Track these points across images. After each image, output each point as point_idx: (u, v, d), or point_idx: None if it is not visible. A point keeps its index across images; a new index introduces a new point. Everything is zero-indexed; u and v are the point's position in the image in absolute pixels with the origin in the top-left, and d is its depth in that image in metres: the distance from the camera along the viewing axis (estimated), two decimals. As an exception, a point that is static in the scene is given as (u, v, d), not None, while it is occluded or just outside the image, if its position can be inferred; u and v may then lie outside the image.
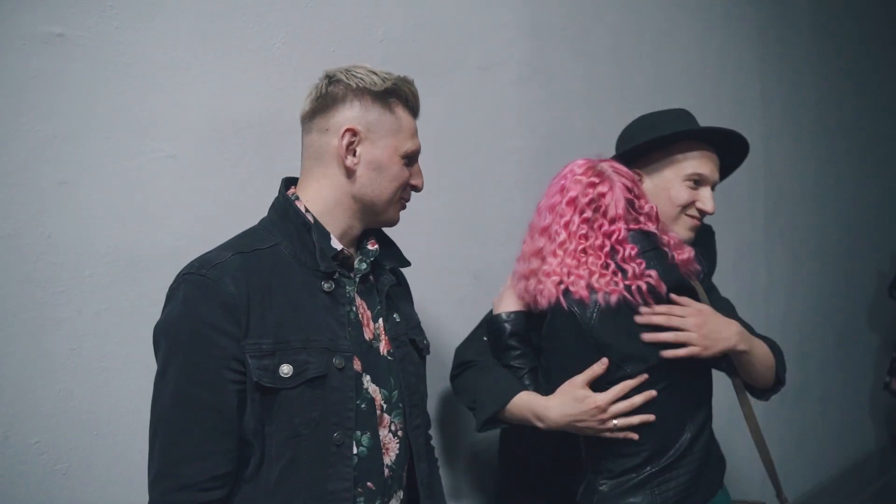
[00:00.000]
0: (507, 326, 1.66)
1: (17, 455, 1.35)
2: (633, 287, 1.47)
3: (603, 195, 1.53)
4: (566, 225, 1.53)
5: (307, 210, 1.31)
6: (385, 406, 1.34)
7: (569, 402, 1.51)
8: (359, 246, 1.39)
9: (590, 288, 1.48)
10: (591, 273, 1.48)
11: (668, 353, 1.48)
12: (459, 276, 2.08)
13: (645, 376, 1.48)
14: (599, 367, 1.48)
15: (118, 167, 1.45)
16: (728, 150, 1.77)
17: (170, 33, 1.52)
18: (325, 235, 1.30)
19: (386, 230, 1.45)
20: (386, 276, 1.41)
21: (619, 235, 1.50)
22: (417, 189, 1.39)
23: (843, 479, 4.02)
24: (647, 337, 1.48)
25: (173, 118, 1.52)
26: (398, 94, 1.32)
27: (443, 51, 2.01)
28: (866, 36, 4.36)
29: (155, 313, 1.51)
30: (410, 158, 1.35)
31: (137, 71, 1.48)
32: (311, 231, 1.29)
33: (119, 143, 1.45)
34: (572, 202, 1.54)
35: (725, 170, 1.82)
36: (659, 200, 1.65)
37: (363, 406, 1.30)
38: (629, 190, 1.56)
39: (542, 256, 1.56)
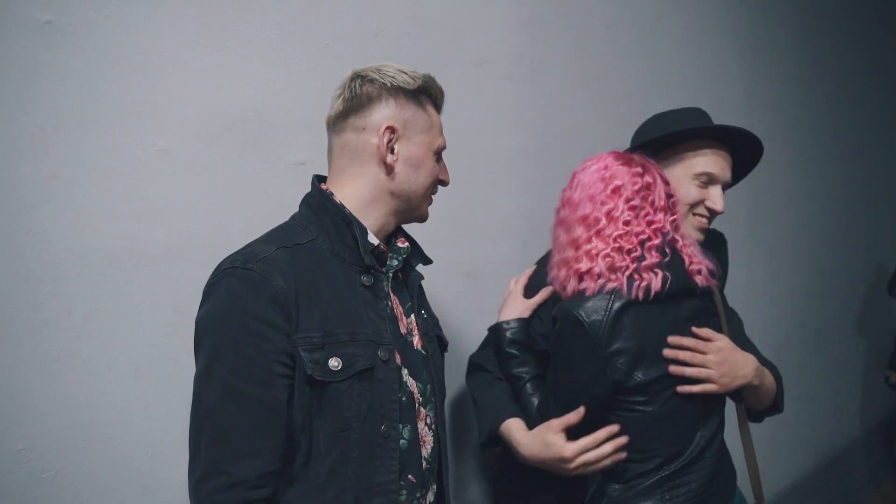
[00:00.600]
0: (507, 334, 1.68)
1: (1, 463, 1.29)
2: (637, 281, 1.44)
3: (650, 185, 1.52)
4: (609, 213, 1.50)
5: (342, 205, 1.31)
6: (421, 399, 1.37)
7: (537, 445, 1.54)
8: (388, 244, 1.41)
9: (602, 276, 1.46)
10: (613, 258, 1.47)
11: (684, 389, 1.49)
12: (452, 275, 2.05)
13: (615, 428, 1.49)
14: (575, 416, 1.49)
15: (110, 161, 1.40)
16: (741, 150, 1.76)
17: (163, 24, 1.47)
18: (363, 230, 1.31)
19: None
20: (415, 273, 1.45)
21: (659, 225, 1.50)
22: (445, 184, 1.42)
23: (825, 473, 4.08)
24: (672, 370, 1.48)
25: (167, 112, 1.47)
26: (428, 92, 1.36)
27: (437, 46, 1.98)
28: (850, 38, 4.42)
29: (146, 312, 1.47)
30: (440, 154, 1.39)
31: (130, 62, 1.42)
32: (352, 225, 1.29)
33: (111, 136, 1.40)
34: (617, 191, 1.51)
35: (741, 171, 1.82)
36: None
37: (404, 399, 1.31)
38: (667, 183, 1.56)
39: (577, 245, 1.52)
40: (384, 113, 1.31)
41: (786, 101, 3.71)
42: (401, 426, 1.29)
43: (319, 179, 1.38)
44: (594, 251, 1.48)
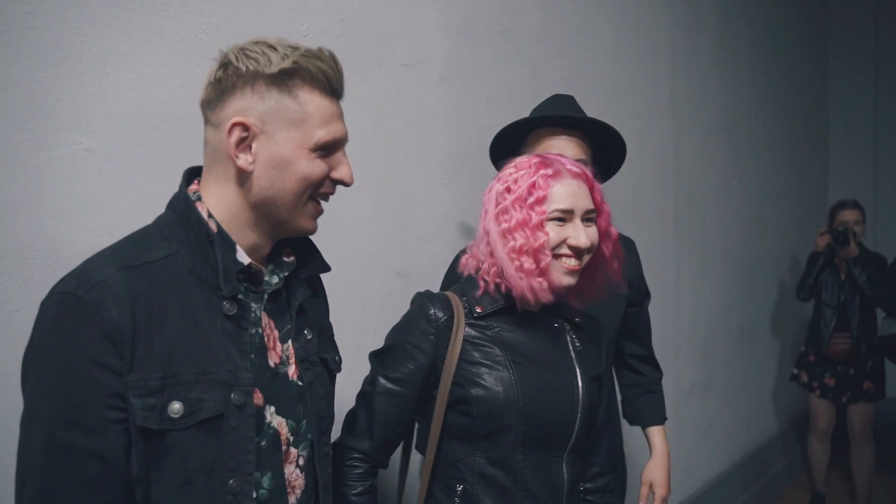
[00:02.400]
0: None
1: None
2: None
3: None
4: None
5: (210, 216, 1.13)
6: (292, 439, 1.20)
7: None
8: (272, 256, 1.23)
9: None
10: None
11: None
12: (383, 274, 2.07)
13: None
14: None
15: (32, 160, 1.38)
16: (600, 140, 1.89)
17: (88, 21, 1.45)
18: (231, 247, 1.12)
19: None
20: (301, 289, 1.26)
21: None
22: (344, 183, 1.17)
23: (747, 466, 4.23)
24: None
25: (91, 110, 1.46)
26: (301, 74, 1.09)
27: (367, 47, 2.00)
28: (772, 43, 4.60)
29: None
30: (328, 149, 1.13)
31: (52, 59, 1.40)
32: (214, 244, 1.11)
33: (33, 134, 1.38)
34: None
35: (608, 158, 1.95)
36: None
37: (264, 444, 1.15)
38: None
39: None
40: (236, 106, 1.08)
41: (712, 104, 3.85)
42: (258, 475, 1.13)
43: (193, 174, 1.19)
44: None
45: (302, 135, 1.10)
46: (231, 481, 1.08)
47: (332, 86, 1.13)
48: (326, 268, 1.31)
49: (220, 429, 1.08)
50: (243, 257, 1.13)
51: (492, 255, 1.45)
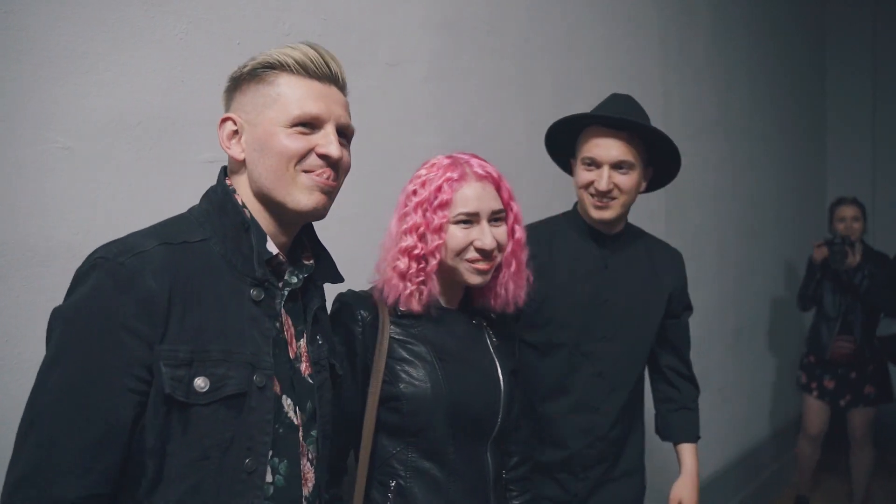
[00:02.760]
0: None
1: None
2: None
3: None
4: None
5: (244, 206, 1.19)
6: (303, 433, 1.23)
7: None
8: (293, 257, 1.27)
9: None
10: None
11: None
12: (367, 274, 2.06)
13: None
14: None
15: (8, 158, 1.38)
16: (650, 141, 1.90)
17: (67, 19, 1.46)
18: (263, 237, 1.18)
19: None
20: (318, 297, 1.32)
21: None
22: (327, 158, 1.17)
23: (740, 467, 4.21)
24: None
25: (69, 108, 1.46)
26: (274, 65, 1.16)
27: (351, 46, 2.00)
28: (765, 41, 4.59)
29: (48, 312, 1.46)
30: (307, 124, 1.16)
31: (31, 58, 1.41)
32: (250, 230, 1.16)
33: (9, 132, 1.38)
34: None
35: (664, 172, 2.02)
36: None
37: (281, 431, 1.18)
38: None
39: None
40: (229, 108, 1.21)
41: (705, 103, 3.84)
42: (276, 460, 1.16)
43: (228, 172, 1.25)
44: None
45: (276, 113, 1.15)
46: (247, 460, 1.11)
47: (307, 69, 1.17)
48: (340, 279, 1.34)
49: (242, 408, 1.11)
50: (272, 247, 1.19)
51: None
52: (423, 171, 1.53)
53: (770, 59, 4.64)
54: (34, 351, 1.43)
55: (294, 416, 1.21)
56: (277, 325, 1.20)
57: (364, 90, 2.04)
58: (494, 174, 1.52)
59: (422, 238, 1.46)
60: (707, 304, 3.88)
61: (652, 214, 3.39)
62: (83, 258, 1.38)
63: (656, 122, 3.45)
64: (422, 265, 1.46)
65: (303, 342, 1.27)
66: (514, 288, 1.56)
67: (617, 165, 1.81)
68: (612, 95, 1.96)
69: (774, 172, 4.70)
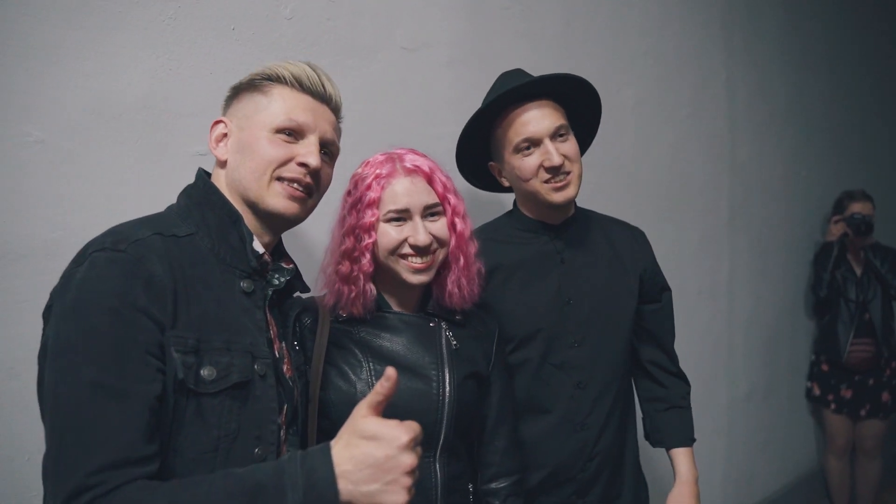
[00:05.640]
0: None
1: None
2: None
3: None
4: None
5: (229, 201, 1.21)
6: (284, 433, 1.22)
7: None
8: (274, 262, 1.28)
9: None
10: None
11: None
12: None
13: None
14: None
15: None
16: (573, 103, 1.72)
17: (41, 4, 1.39)
18: (251, 234, 1.19)
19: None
20: (297, 306, 1.39)
21: None
22: (306, 166, 1.20)
23: (813, 481, 3.92)
24: None
25: (41, 99, 1.40)
26: (270, 76, 1.22)
27: (362, 30, 1.89)
28: (839, 26, 4.23)
29: (26, 310, 1.40)
30: (292, 133, 1.20)
31: (2, 48, 1.35)
32: (239, 223, 1.18)
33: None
34: None
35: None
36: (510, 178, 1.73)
37: (280, 422, 1.18)
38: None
39: None
40: (224, 114, 1.26)
41: (776, 89, 3.56)
42: (284, 450, 1.17)
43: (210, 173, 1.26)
44: None
45: (264, 118, 1.19)
46: (256, 449, 1.11)
47: (302, 83, 1.22)
48: (306, 289, 1.37)
49: (247, 397, 1.11)
50: (258, 245, 1.20)
51: None
52: (358, 170, 1.47)
53: (842, 43, 4.26)
54: (7, 351, 1.39)
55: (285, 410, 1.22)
56: (265, 318, 1.21)
57: (378, 76, 1.92)
58: (425, 167, 1.44)
59: (357, 239, 1.41)
60: (777, 304, 3.64)
61: (712, 208, 3.18)
62: (64, 255, 1.32)
63: (718, 109, 3.24)
64: (356, 266, 1.41)
65: (284, 344, 1.29)
66: (466, 283, 1.48)
67: (555, 134, 1.63)
68: (502, 75, 1.75)
69: (854, 165, 4.34)
